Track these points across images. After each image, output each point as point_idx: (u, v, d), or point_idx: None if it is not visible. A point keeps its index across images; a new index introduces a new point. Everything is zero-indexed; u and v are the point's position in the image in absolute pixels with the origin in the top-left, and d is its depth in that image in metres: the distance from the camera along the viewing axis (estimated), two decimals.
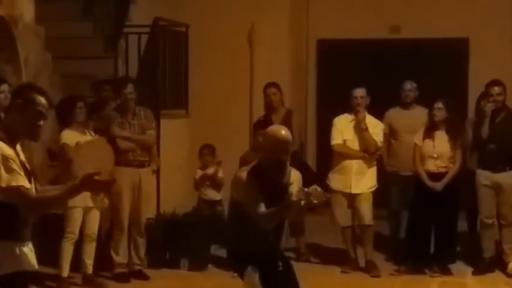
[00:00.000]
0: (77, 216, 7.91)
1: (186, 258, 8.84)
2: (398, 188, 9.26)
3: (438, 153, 8.58)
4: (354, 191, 8.71)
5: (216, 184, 9.29)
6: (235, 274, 8.20)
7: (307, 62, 12.15)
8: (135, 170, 8.37)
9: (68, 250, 7.93)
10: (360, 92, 8.81)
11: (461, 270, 8.75)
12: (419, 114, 9.11)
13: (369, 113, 8.84)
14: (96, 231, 8.13)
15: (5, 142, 4.38)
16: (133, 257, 8.51)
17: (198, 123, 10.97)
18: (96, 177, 4.41)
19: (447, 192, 8.50)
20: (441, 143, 8.60)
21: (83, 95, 8.69)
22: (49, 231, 7.36)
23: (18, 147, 4.49)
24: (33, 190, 4.44)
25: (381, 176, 9.01)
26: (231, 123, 11.28)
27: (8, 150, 4.36)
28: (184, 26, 10.67)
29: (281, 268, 5.63)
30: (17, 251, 4.42)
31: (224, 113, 11.38)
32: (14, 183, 4.31)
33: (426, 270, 8.66)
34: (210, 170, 9.32)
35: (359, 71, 11.41)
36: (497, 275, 8.57)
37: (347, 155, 8.77)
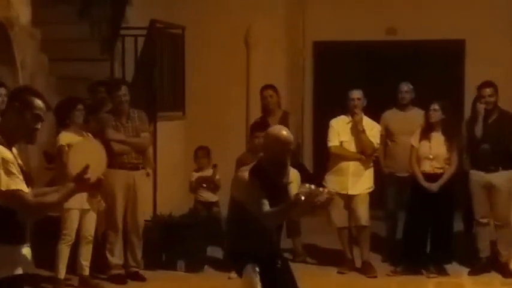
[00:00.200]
0: (73, 218, 7.92)
1: (183, 259, 8.84)
2: (395, 189, 9.28)
3: (434, 154, 8.60)
4: (350, 192, 8.73)
5: (214, 186, 9.29)
6: (232, 275, 8.31)
7: (304, 64, 12.16)
8: (129, 172, 8.38)
9: (64, 252, 7.94)
10: (356, 94, 8.83)
11: (457, 270, 8.76)
12: (415, 115, 9.12)
13: (366, 114, 8.86)
14: (92, 233, 8.14)
15: (3, 145, 4.40)
16: (130, 259, 8.52)
17: (194, 125, 10.98)
18: (86, 177, 4.44)
19: (443, 193, 8.52)
20: (437, 144, 8.62)
21: (79, 97, 8.70)
22: (45, 233, 7.35)
23: (14, 150, 4.50)
24: (31, 194, 4.46)
25: (378, 177, 9.03)
26: (228, 125, 11.29)
27: (7, 154, 4.38)
28: (181, 28, 10.68)
29: (279, 265, 5.66)
30: (15, 255, 4.43)
31: (221, 115, 11.39)
32: (13, 187, 4.33)
33: (422, 270, 8.68)
34: (206, 172, 9.32)
35: (355, 72, 11.43)
36: (493, 276, 8.59)
37: (344, 156, 8.78)
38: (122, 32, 10.23)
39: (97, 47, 10.34)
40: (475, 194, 8.65)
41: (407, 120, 9.20)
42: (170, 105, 10.56)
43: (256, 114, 9.78)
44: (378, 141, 8.91)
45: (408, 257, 8.75)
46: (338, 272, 8.81)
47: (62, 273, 7.97)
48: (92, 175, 4.52)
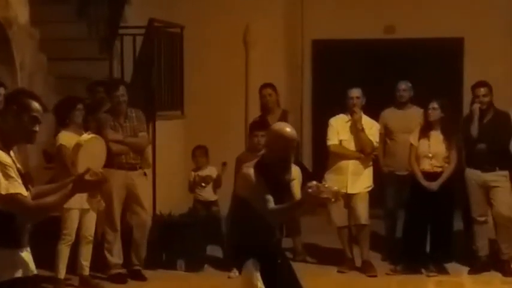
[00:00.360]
0: (73, 218, 7.92)
1: (183, 259, 8.85)
2: (394, 187, 9.28)
3: (433, 153, 8.61)
4: (350, 191, 8.72)
5: (214, 185, 9.28)
6: (232, 274, 8.32)
7: (303, 63, 12.15)
8: (127, 173, 8.39)
9: (64, 252, 7.93)
10: (355, 93, 8.83)
11: (457, 269, 8.76)
12: (414, 114, 9.13)
13: (365, 113, 8.85)
14: (92, 233, 8.14)
15: (1, 149, 4.39)
16: (133, 257, 8.52)
17: (193, 124, 10.97)
18: (87, 177, 4.44)
19: (443, 192, 8.53)
20: (436, 142, 8.62)
21: (78, 96, 8.69)
22: (45, 233, 7.34)
23: (12, 153, 4.49)
24: (30, 197, 4.45)
25: (377, 176, 9.03)
26: (227, 124, 11.29)
27: (5, 158, 4.38)
28: (179, 27, 10.66)
29: (280, 262, 5.69)
30: (16, 258, 4.43)
31: (219, 113, 11.39)
32: (12, 191, 4.32)
33: (422, 269, 8.68)
34: (204, 172, 9.31)
35: (354, 71, 11.42)
36: (494, 274, 8.59)
37: (343, 155, 8.78)
38: (121, 31, 10.21)
39: (96, 46, 10.32)
40: (471, 193, 8.66)
41: (406, 119, 9.21)
42: (169, 104, 10.54)
43: (255, 113, 9.77)
44: (377, 140, 8.91)
45: (408, 255, 8.75)
46: (338, 271, 8.81)
47: (62, 273, 7.97)
48: (94, 173, 4.54)
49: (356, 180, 8.71)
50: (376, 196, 9.03)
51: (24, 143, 4.69)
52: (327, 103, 10.40)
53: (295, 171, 5.85)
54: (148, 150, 8.95)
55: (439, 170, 8.60)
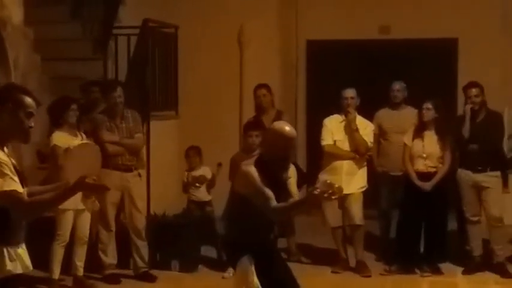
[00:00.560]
0: (68, 219, 7.91)
1: (177, 259, 8.84)
2: (388, 188, 9.28)
3: (427, 153, 8.62)
4: (344, 192, 8.66)
5: (209, 185, 9.27)
6: (226, 275, 8.32)
7: (297, 63, 12.14)
8: (122, 174, 8.37)
9: (58, 252, 7.92)
10: (350, 93, 8.83)
11: (451, 269, 8.78)
12: (408, 114, 9.14)
13: (359, 113, 8.86)
14: (87, 234, 8.13)
15: None
16: (137, 260, 8.51)
17: (188, 125, 10.97)
18: (87, 180, 4.44)
19: (437, 192, 8.54)
20: (430, 143, 8.63)
21: (72, 97, 8.67)
22: (40, 233, 7.33)
23: (6, 150, 4.48)
24: (25, 194, 4.45)
25: (371, 176, 9.03)
26: (221, 125, 11.29)
27: (1, 155, 4.36)
28: (174, 27, 10.66)
29: (275, 257, 5.78)
30: (12, 254, 4.42)
31: (214, 114, 11.39)
32: (6, 188, 4.31)
33: (416, 269, 8.69)
34: (198, 172, 9.30)
35: (349, 71, 11.42)
36: (487, 275, 8.60)
37: (337, 155, 8.78)
38: (115, 31, 10.20)
39: (90, 46, 10.31)
40: (464, 193, 8.68)
41: (401, 119, 9.22)
42: (163, 104, 10.54)
43: (249, 113, 9.77)
44: (371, 140, 8.92)
45: (402, 256, 8.76)
46: (332, 272, 8.82)
47: (56, 273, 7.96)
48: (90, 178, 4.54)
49: (350, 180, 8.71)
50: (370, 196, 9.03)
51: (20, 141, 4.67)
52: (322, 103, 10.40)
53: (291, 170, 5.91)
54: (143, 150, 8.95)
55: (433, 170, 8.61)
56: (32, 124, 4.49)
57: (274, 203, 5.45)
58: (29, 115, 4.47)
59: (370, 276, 8.67)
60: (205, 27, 11.25)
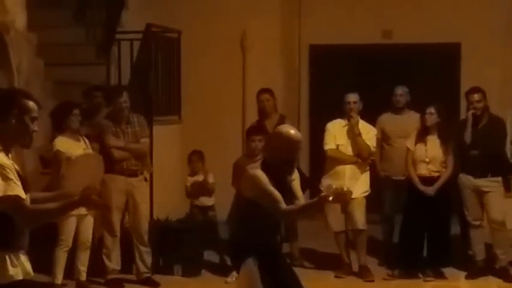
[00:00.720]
0: (71, 225, 7.91)
1: (180, 264, 8.85)
2: (391, 192, 9.27)
3: (430, 157, 8.61)
4: None
5: (207, 190, 9.27)
6: (229, 279, 8.32)
7: (300, 67, 12.14)
8: (127, 179, 8.37)
9: (61, 257, 7.93)
10: (352, 97, 8.84)
11: (454, 274, 8.76)
12: (411, 119, 9.14)
13: (362, 118, 8.86)
14: (90, 239, 8.13)
15: (1, 151, 4.40)
16: (140, 266, 8.50)
17: (191, 129, 10.97)
18: (92, 196, 4.47)
19: (440, 197, 8.54)
20: (433, 147, 8.63)
21: (75, 101, 8.68)
22: (43, 238, 7.34)
23: (10, 155, 4.49)
24: (28, 201, 4.45)
25: (374, 180, 9.02)
26: (224, 129, 11.29)
27: (4, 159, 4.37)
28: (177, 32, 10.67)
29: (279, 259, 5.85)
30: (14, 261, 4.42)
31: (217, 118, 11.40)
32: (10, 192, 4.32)
33: (419, 274, 8.67)
34: (200, 177, 9.31)
35: (351, 76, 11.42)
36: (491, 279, 8.59)
37: (340, 160, 8.78)
38: (118, 36, 10.21)
39: (93, 51, 10.33)
40: (465, 197, 8.68)
41: (403, 124, 9.21)
42: (166, 109, 10.54)
43: (252, 117, 9.77)
44: (374, 145, 8.92)
45: (405, 260, 8.75)
46: (335, 276, 8.81)
47: (59, 278, 7.97)
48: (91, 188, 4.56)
49: (353, 185, 8.65)
50: (373, 201, 9.02)
51: (22, 146, 4.68)
52: (324, 108, 10.41)
53: (295, 173, 5.95)
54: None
55: (436, 174, 8.61)
56: (36, 128, 4.52)
57: (283, 205, 5.53)
58: (33, 119, 4.51)
59: (373, 280, 8.66)
60: (208, 31, 11.27)
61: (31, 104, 4.51)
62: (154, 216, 9.16)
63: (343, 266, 8.88)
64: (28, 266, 4.53)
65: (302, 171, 9.86)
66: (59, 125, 8.05)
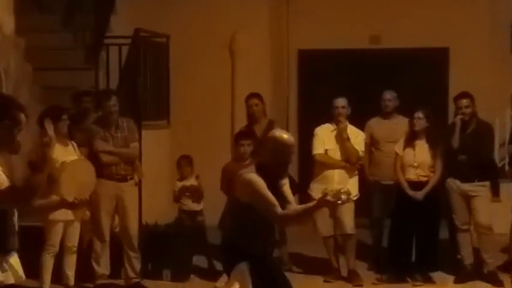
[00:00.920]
0: (57, 230, 7.87)
1: (168, 269, 8.83)
2: (380, 197, 9.29)
3: (419, 162, 8.63)
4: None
5: (197, 195, 9.26)
6: (218, 284, 8.31)
7: (288, 72, 12.18)
8: (117, 184, 8.35)
9: (48, 262, 7.89)
10: (341, 102, 8.85)
11: (443, 278, 8.78)
12: (399, 123, 9.16)
13: (350, 122, 8.87)
14: (76, 244, 8.09)
15: None
16: (129, 271, 8.48)
17: (179, 134, 10.96)
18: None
19: (428, 201, 8.56)
20: (422, 152, 8.65)
21: (63, 106, 8.65)
22: (29, 243, 7.32)
23: None
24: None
25: (363, 185, 9.03)
26: (213, 134, 11.28)
27: None
28: (165, 36, 10.67)
29: (271, 262, 5.92)
30: (4, 265, 4.42)
31: (206, 123, 11.39)
32: None
33: (408, 278, 8.69)
34: (189, 181, 9.29)
35: (340, 80, 11.44)
36: (479, 283, 8.61)
37: (329, 164, 8.79)
38: (106, 41, 10.20)
39: (81, 56, 10.32)
40: (453, 201, 8.71)
41: (392, 128, 9.23)
42: (155, 114, 10.54)
43: (241, 122, 9.77)
44: (363, 149, 8.93)
45: (394, 265, 8.76)
46: (324, 281, 8.81)
47: (47, 283, 7.93)
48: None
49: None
50: (362, 205, 9.03)
51: (11, 152, 4.69)
52: (313, 112, 10.41)
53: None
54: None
55: (424, 179, 8.63)
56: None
57: (280, 209, 5.59)
58: (20, 131, 4.54)
59: (362, 285, 8.67)
60: (197, 36, 11.26)
61: (22, 116, 4.55)
62: (143, 221, 9.14)
63: (332, 271, 8.88)
64: (20, 270, 4.53)
65: (291, 175, 9.89)
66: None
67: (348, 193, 5.61)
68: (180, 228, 9.06)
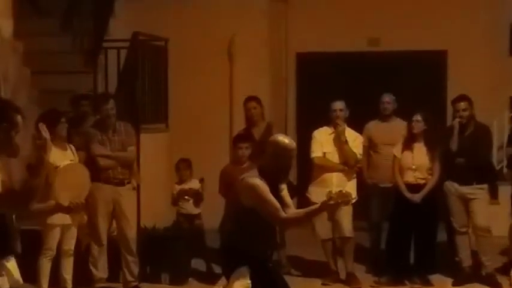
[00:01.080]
0: (55, 234, 7.86)
1: (167, 272, 8.83)
2: (378, 199, 9.29)
3: (417, 165, 8.64)
4: None
5: (197, 199, 9.26)
6: (216, 287, 8.30)
7: (287, 75, 12.19)
8: (114, 188, 8.34)
9: (46, 266, 7.87)
10: (339, 105, 8.85)
11: (441, 281, 8.79)
12: (398, 126, 9.17)
13: (349, 125, 8.88)
14: (73, 247, 8.07)
15: None
16: (127, 274, 8.48)
17: (178, 137, 10.96)
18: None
19: (426, 204, 8.56)
20: (420, 154, 8.66)
21: (62, 110, 8.65)
22: (27, 248, 7.32)
23: None
24: None
25: (361, 188, 9.04)
26: (211, 137, 11.29)
27: None
28: (164, 40, 10.67)
29: (271, 266, 5.97)
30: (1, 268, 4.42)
31: (204, 126, 11.39)
32: None
33: (406, 281, 8.69)
34: (188, 184, 9.29)
35: (338, 83, 11.45)
36: (477, 286, 8.61)
37: (327, 167, 8.79)
38: (105, 44, 10.21)
39: (80, 59, 10.31)
40: (451, 204, 8.72)
41: (390, 131, 9.24)
42: (153, 117, 10.53)
43: (239, 125, 9.78)
44: (361, 152, 8.94)
45: (392, 267, 8.77)
46: (323, 284, 8.82)
47: (45, 287, 7.93)
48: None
49: None
50: (360, 208, 9.02)
51: (9, 155, 4.71)
52: (312, 116, 10.41)
53: None
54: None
55: (422, 182, 8.64)
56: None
57: (283, 213, 5.67)
58: (17, 133, 4.55)
59: None
60: (195, 40, 11.27)
61: (19, 118, 4.57)
62: (142, 225, 9.15)
63: (330, 274, 8.89)
64: (16, 274, 4.52)
65: (289, 179, 9.90)
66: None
67: (350, 195, 5.76)
68: (179, 232, 9.06)
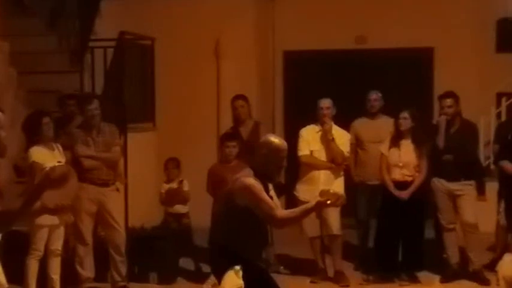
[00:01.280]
0: (43, 235, 7.82)
1: (155, 271, 8.82)
2: (366, 197, 9.30)
3: (404, 162, 8.65)
4: None
5: (182, 198, 9.25)
6: (205, 286, 8.30)
7: (274, 74, 12.19)
8: (99, 188, 8.31)
9: (33, 266, 7.85)
10: (325, 103, 8.86)
11: (429, 278, 8.80)
12: (385, 124, 9.18)
13: (336, 123, 8.89)
14: (60, 247, 8.04)
15: None
16: (115, 275, 8.46)
17: (165, 136, 10.96)
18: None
19: (413, 201, 8.58)
20: (407, 152, 8.67)
21: (49, 110, 8.62)
22: (14, 248, 7.30)
23: None
24: None
25: (349, 185, 9.05)
26: (199, 136, 11.28)
27: None
28: (150, 39, 10.66)
29: (263, 267, 6.03)
30: None
31: (191, 125, 11.39)
32: None
33: (395, 278, 8.71)
34: (175, 184, 9.29)
35: (325, 81, 11.47)
36: (465, 282, 8.64)
37: (314, 165, 8.80)
38: (91, 43, 10.19)
39: (66, 59, 10.28)
40: (439, 201, 8.73)
41: (377, 129, 9.25)
42: (140, 116, 10.53)
43: (227, 124, 9.77)
44: (348, 150, 8.95)
45: (380, 265, 8.78)
46: (311, 282, 8.83)
47: (32, 287, 7.91)
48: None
49: None
50: (348, 206, 8.92)
51: None
52: (299, 114, 10.42)
53: None
54: (121, 163, 8.92)
55: (409, 179, 8.65)
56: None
57: (278, 212, 5.72)
58: (1, 128, 4.52)
59: (348, 286, 8.69)
60: (182, 39, 11.26)
61: (1, 115, 4.53)
62: (129, 224, 9.13)
63: (318, 272, 8.90)
64: (2, 278, 4.50)
65: None
66: (32, 136, 7.91)
67: (344, 198, 5.83)
68: (166, 231, 9.06)
